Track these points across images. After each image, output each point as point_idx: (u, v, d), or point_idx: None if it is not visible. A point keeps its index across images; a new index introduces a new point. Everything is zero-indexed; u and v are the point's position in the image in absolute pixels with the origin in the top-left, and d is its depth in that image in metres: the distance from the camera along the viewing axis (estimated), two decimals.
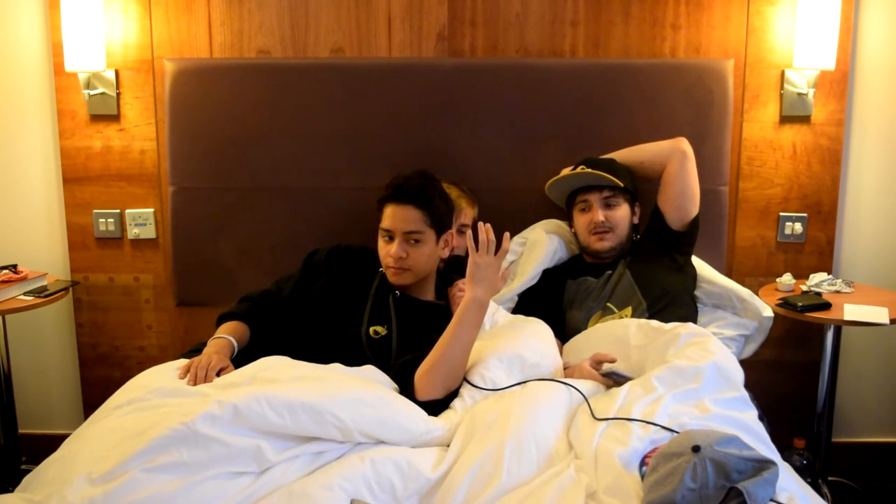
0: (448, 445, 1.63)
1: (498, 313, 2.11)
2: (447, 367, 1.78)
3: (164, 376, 1.81)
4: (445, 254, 2.11)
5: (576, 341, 2.12)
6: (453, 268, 2.22)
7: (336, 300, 2.05)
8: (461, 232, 2.32)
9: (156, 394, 1.70)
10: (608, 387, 1.86)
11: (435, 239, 2.03)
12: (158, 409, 1.63)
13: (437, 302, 2.12)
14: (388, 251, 2.00)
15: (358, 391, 1.66)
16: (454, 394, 1.80)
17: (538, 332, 2.02)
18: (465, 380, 1.81)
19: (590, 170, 2.26)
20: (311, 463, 1.54)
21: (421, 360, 1.83)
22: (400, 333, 1.98)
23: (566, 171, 2.35)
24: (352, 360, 1.89)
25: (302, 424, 1.54)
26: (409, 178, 2.01)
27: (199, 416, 1.49)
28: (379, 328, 1.99)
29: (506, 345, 1.89)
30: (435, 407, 1.74)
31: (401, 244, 1.98)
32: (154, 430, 1.49)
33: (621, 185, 2.25)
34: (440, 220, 2.04)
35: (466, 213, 2.35)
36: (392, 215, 2.00)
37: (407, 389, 1.79)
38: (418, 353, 1.87)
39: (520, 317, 2.14)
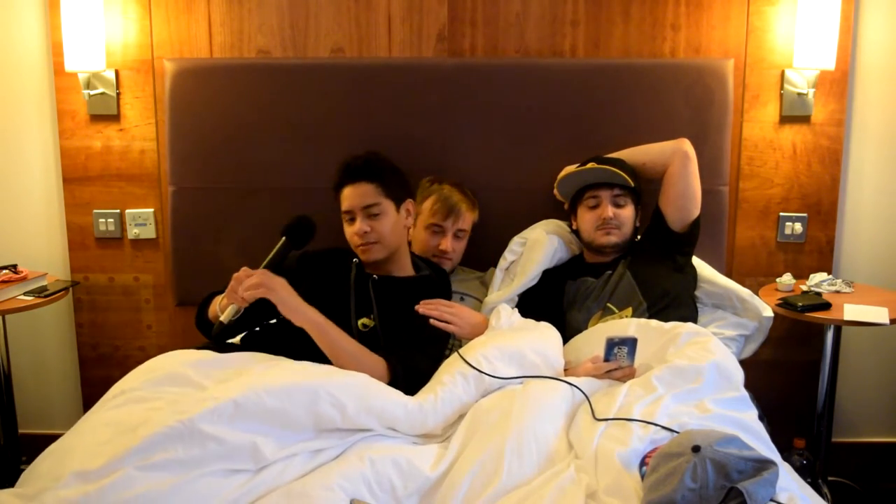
0: (440, 428, 1.68)
1: (514, 316, 2.11)
2: (333, 349, 1.84)
3: (171, 362, 1.79)
4: (410, 223, 2.16)
5: (576, 341, 2.11)
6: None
7: (321, 302, 1.99)
8: (458, 237, 2.32)
9: (150, 384, 1.68)
10: (620, 370, 1.87)
11: (395, 209, 2.09)
12: (151, 401, 1.62)
13: (416, 275, 2.14)
14: (352, 231, 2.07)
15: (346, 374, 1.72)
16: (430, 367, 1.87)
17: (544, 334, 2.02)
18: (463, 359, 1.82)
19: (606, 166, 2.27)
20: (309, 461, 1.55)
21: (404, 351, 1.89)
22: (383, 320, 2.00)
23: (571, 169, 2.35)
24: None
25: (299, 404, 1.56)
26: (355, 157, 2.10)
27: (198, 414, 1.49)
28: (366, 320, 2.01)
29: (510, 341, 1.90)
30: (412, 384, 1.81)
31: (362, 220, 2.05)
32: (148, 428, 1.48)
33: (633, 184, 2.26)
34: (394, 189, 2.09)
35: (465, 218, 2.34)
36: (348, 196, 2.08)
37: (404, 390, 1.79)
38: (402, 350, 1.92)
39: (531, 321, 2.14)
